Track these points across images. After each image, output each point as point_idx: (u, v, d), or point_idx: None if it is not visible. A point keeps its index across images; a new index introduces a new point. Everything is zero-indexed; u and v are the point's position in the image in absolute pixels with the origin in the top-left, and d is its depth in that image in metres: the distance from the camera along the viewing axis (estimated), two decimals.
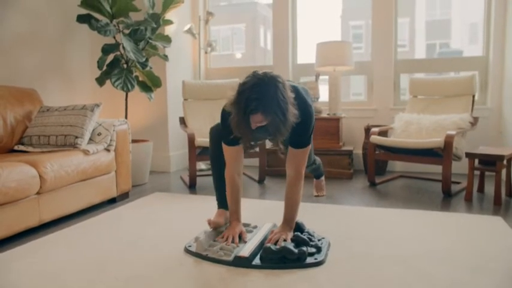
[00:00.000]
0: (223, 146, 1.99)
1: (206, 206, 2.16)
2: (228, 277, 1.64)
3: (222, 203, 2.17)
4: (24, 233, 2.23)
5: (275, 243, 1.82)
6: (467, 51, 13.98)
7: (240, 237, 1.95)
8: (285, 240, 1.85)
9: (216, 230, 2.06)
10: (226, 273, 1.68)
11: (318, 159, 2.81)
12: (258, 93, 1.62)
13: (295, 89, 1.84)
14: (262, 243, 1.90)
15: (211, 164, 2.17)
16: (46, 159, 2.33)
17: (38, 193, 2.25)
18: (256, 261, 1.75)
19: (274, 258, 1.72)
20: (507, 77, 3.54)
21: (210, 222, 2.05)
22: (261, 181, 3.53)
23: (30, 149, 2.71)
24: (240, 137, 1.82)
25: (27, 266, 1.79)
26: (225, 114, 1.88)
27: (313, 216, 1.97)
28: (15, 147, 2.77)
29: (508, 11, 3.53)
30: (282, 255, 1.72)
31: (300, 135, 1.89)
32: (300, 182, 1.94)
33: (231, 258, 1.76)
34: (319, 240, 1.93)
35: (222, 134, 1.96)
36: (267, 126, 1.70)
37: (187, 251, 1.91)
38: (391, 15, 3.96)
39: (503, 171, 2.92)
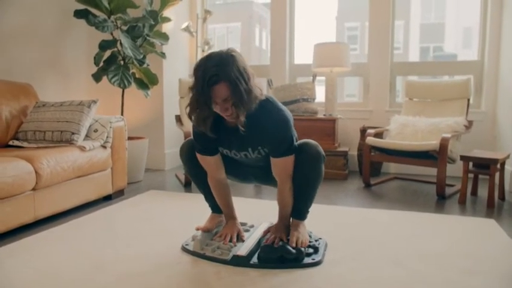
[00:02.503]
0: (200, 157, 1.87)
1: (201, 205, 2.16)
2: (226, 276, 1.64)
3: (214, 208, 2.11)
4: (19, 229, 2.20)
5: (272, 243, 1.83)
6: (460, 55, 14.11)
7: (238, 236, 1.95)
8: (281, 240, 1.85)
9: (212, 231, 2.05)
10: (224, 272, 1.68)
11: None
12: (216, 61, 1.55)
13: (265, 98, 1.73)
14: (259, 242, 1.91)
15: (194, 181, 2.07)
16: (42, 155, 2.31)
17: (33, 189, 2.23)
18: (254, 260, 1.75)
19: (272, 257, 1.73)
20: (501, 81, 3.58)
21: (198, 228, 2.01)
22: None
23: (25, 144, 2.68)
24: (212, 144, 1.79)
25: (22, 262, 1.78)
26: (195, 130, 1.81)
27: (310, 216, 1.98)
28: (10, 143, 2.74)
29: (504, 16, 3.57)
30: (280, 255, 1.73)
31: (279, 143, 1.74)
32: (288, 184, 1.82)
33: (228, 257, 1.76)
34: (316, 240, 1.94)
35: (195, 145, 1.86)
36: (232, 100, 1.57)
37: (185, 249, 1.90)
38: (388, 18, 3.98)
39: (497, 175, 2.96)
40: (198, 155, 1.88)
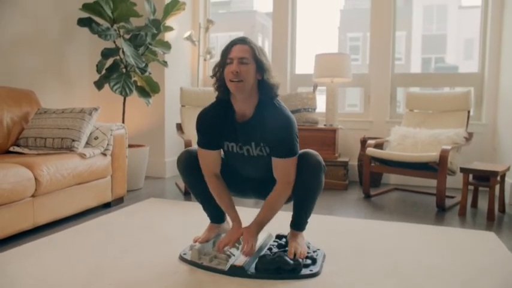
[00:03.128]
0: (199, 151, 1.86)
1: (201, 214, 2.15)
2: (223, 286, 1.64)
3: (213, 218, 2.09)
4: (18, 236, 2.20)
5: (269, 254, 1.82)
6: (462, 66, 14.15)
7: (240, 247, 1.88)
8: (279, 250, 1.84)
9: (210, 241, 2.03)
10: (222, 282, 1.68)
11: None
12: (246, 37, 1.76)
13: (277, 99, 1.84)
14: (257, 252, 1.90)
15: (192, 191, 2.03)
16: (42, 162, 2.32)
17: (33, 196, 2.24)
18: (252, 270, 1.75)
19: (270, 268, 1.72)
20: (502, 93, 3.59)
21: (196, 241, 1.98)
22: None
23: (26, 150, 2.69)
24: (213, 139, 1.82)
25: (21, 269, 1.78)
26: (200, 115, 1.87)
27: (308, 227, 1.98)
28: (11, 149, 2.75)
29: (504, 29, 3.59)
30: (278, 266, 1.72)
31: (280, 141, 1.75)
32: (287, 192, 1.80)
33: (226, 267, 1.76)
34: (314, 251, 1.94)
35: (198, 140, 1.86)
36: (251, 64, 1.70)
37: (182, 258, 1.90)
38: (389, 29, 4.01)
39: (497, 187, 2.95)
40: (199, 150, 1.86)
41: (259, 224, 1.85)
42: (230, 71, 1.68)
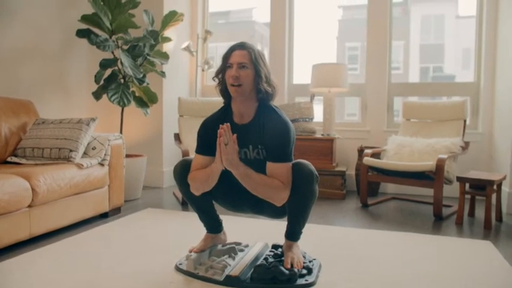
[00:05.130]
0: (195, 158, 1.88)
1: (198, 224, 2.15)
2: None
3: (209, 228, 2.08)
4: (14, 246, 2.20)
5: (266, 264, 1.81)
6: (459, 75, 14.21)
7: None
8: (275, 260, 1.83)
9: (205, 250, 2.03)
10: None
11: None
12: (245, 43, 1.83)
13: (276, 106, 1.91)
14: (253, 262, 1.90)
15: (188, 201, 2.02)
16: (39, 172, 2.32)
17: (29, 206, 2.24)
18: (247, 280, 1.74)
19: (265, 278, 1.72)
20: (498, 103, 3.61)
21: (192, 251, 1.98)
22: None
23: (23, 161, 2.70)
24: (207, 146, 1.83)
25: (17, 280, 1.78)
26: (203, 121, 1.96)
27: (304, 236, 1.98)
28: (8, 159, 2.76)
29: (499, 39, 3.63)
30: (273, 276, 1.72)
31: (277, 145, 1.76)
32: (282, 189, 1.74)
33: (221, 277, 1.76)
34: (310, 261, 1.93)
35: (197, 146, 1.89)
36: (250, 69, 1.77)
37: (178, 269, 1.90)
38: (385, 39, 4.04)
39: (494, 196, 2.96)
40: (195, 157, 1.89)
41: (247, 170, 1.75)
42: (230, 75, 1.78)
